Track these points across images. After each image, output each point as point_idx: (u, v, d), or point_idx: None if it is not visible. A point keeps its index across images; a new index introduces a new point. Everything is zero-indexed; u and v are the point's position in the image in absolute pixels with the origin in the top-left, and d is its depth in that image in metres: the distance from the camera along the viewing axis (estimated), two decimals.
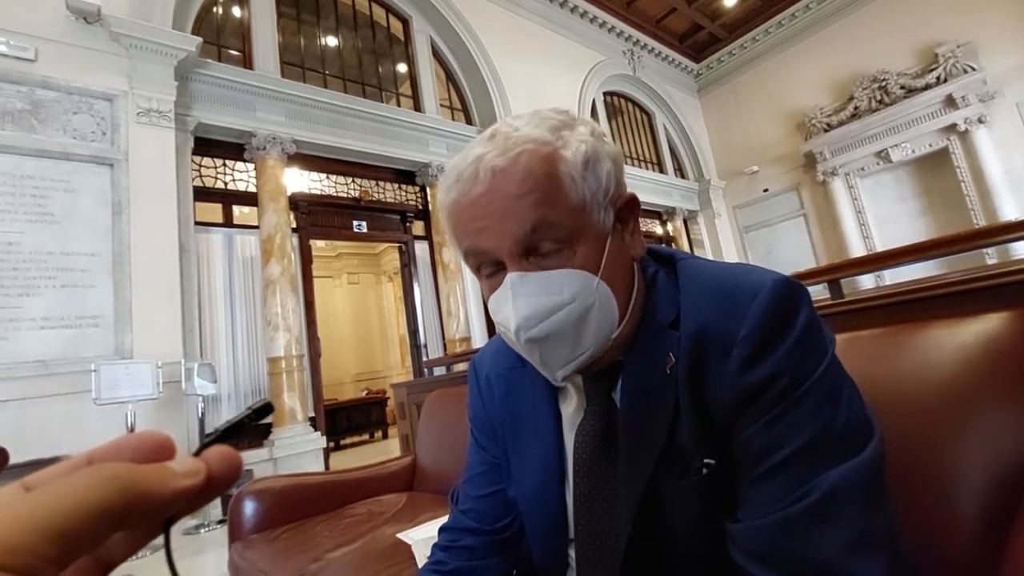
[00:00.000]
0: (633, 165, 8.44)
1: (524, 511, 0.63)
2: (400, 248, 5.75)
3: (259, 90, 4.53)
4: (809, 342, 0.46)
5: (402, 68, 6.12)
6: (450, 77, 6.50)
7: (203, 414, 3.44)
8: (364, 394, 7.98)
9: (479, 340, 5.63)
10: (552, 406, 0.61)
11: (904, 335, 0.70)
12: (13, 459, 2.14)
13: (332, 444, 5.93)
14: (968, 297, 0.85)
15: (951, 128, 7.02)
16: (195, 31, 4.33)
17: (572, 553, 0.58)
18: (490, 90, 6.32)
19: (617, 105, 8.73)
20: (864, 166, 7.90)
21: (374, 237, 5.62)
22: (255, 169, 4.54)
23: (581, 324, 0.49)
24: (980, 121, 6.79)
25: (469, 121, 6.44)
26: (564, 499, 0.58)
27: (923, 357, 0.65)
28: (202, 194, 4.29)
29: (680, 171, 9.47)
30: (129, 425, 3.01)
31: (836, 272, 1.53)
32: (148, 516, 0.19)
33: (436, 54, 6.32)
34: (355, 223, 5.25)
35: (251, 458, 3.84)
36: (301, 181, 4.96)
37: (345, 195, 5.25)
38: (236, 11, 4.86)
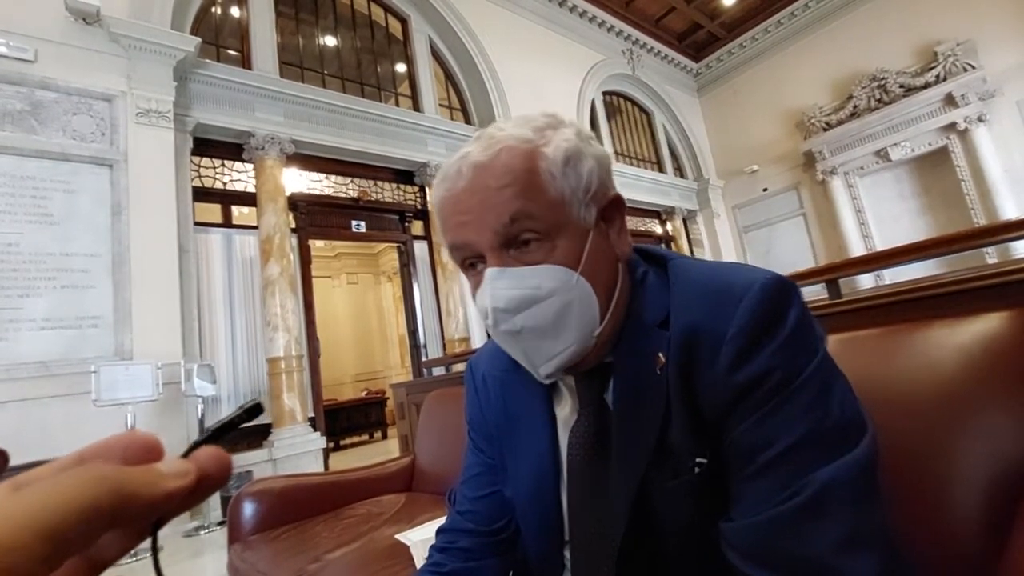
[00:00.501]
0: (632, 165, 8.44)
1: (520, 513, 0.63)
2: (399, 248, 5.75)
3: (258, 90, 4.53)
4: (799, 339, 0.46)
5: (401, 68, 6.12)
6: (449, 77, 6.50)
7: (203, 415, 3.44)
8: (363, 394, 7.98)
9: (478, 340, 5.62)
10: (546, 408, 0.61)
11: (904, 335, 0.69)
12: (13, 461, 2.14)
13: (331, 444, 5.93)
14: (968, 296, 0.85)
15: (951, 127, 7.01)
16: (194, 31, 4.33)
17: (567, 555, 0.58)
18: (489, 90, 6.32)
19: (616, 105, 8.73)
20: (864, 165, 7.90)
21: (373, 237, 5.61)
22: (254, 169, 4.53)
23: (560, 319, 0.50)
24: (980, 120, 6.79)
25: (468, 121, 6.44)
26: (559, 501, 0.58)
27: (923, 357, 0.65)
28: (201, 194, 4.29)
29: (679, 170, 9.47)
30: (129, 426, 3.00)
31: (835, 272, 1.53)
32: (137, 517, 0.19)
33: (435, 54, 6.32)
34: (354, 223, 5.25)
35: (250, 459, 3.83)
36: (300, 181, 4.96)
37: (344, 195, 5.25)
38: (235, 11, 4.86)
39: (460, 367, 3.51)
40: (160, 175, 3.78)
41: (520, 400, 0.63)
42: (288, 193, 4.63)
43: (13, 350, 3.09)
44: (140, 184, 3.66)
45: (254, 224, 4.43)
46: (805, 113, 8.41)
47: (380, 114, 5.32)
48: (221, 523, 3.22)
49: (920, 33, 7.33)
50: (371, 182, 5.49)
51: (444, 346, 5.53)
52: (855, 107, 7.87)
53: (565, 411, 0.60)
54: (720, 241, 9.19)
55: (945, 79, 7.01)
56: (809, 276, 1.64)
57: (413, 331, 5.55)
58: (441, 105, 6.21)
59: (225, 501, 3.35)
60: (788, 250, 8.67)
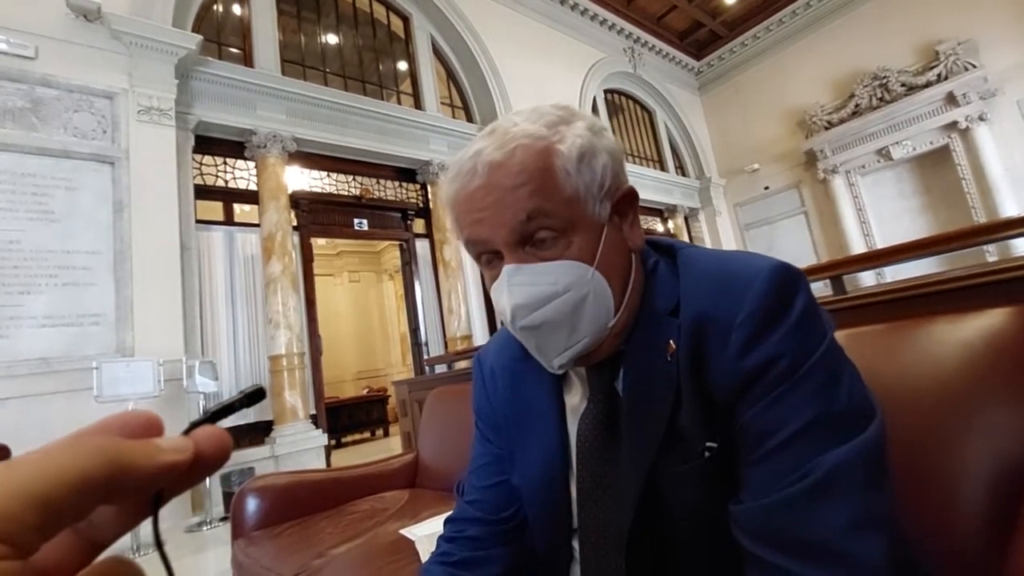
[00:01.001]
0: (634, 163, 8.43)
1: (528, 502, 0.63)
2: (401, 246, 5.75)
3: (259, 88, 4.53)
4: (807, 325, 0.47)
5: (403, 66, 6.11)
6: (450, 75, 6.49)
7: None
8: (365, 392, 8.00)
9: (480, 338, 5.63)
10: (556, 397, 0.61)
11: (907, 331, 0.70)
12: (14, 457, 2.15)
13: (333, 442, 5.94)
14: (970, 293, 0.85)
15: (952, 126, 7.01)
16: (195, 29, 4.33)
17: (576, 544, 0.59)
18: (490, 88, 6.31)
19: (618, 103, 8.72)
20: (865, 164, 7.89)
21: (375, 235, 5.62)
22: (256, 167, 4.54)
23: (576, 313, 0.51)
24: (981, 118, 6.78)
25: (470, 119, 6.43)
26: (568, 489, 0.59)
27: (926, 353, 0.66)
28: (203, 192, 4.29)
29: (681, 169, 9.46)
30: None
31: (838, 268, 1.53)
32: (133, 489, 0.19)
33: (436, 52, 6.31)
34: (356, 221, 5.25)
35: (252, 455, 3.85)
36: (302, 179, 4.96)
37: (346, 193, 5.25)
38: (236, 9, 4.85)
39: (462, 365, 3.52)
40: (162, 173, 3.78)
41: (530, 389, 0.64)
42: (290, 191, 4.63)
43: (14, 347, 3.10)
44: (142, 181, 3.66)
45: (256, 222, 4.43)
46: (806, 112, 8.41)
47: (382, 112, 5.32)
48: (224, 519, 3.23)
49: (921, 32, 7.32)
50: (373, 180, 5.49)
51: (446, 344, 5.53)
52: (856, 106, 7.86)
53: (575, 399, 0.60)
54: (722, 239, 9.20)
55: (946, 78, 7.00)
56: (812, 272, 1.63)
57: (415, 329, 5.55)
58: (443, 103, 6.21)
59: (228, 497, 3.36)
60: (789, 248, 8.67)
